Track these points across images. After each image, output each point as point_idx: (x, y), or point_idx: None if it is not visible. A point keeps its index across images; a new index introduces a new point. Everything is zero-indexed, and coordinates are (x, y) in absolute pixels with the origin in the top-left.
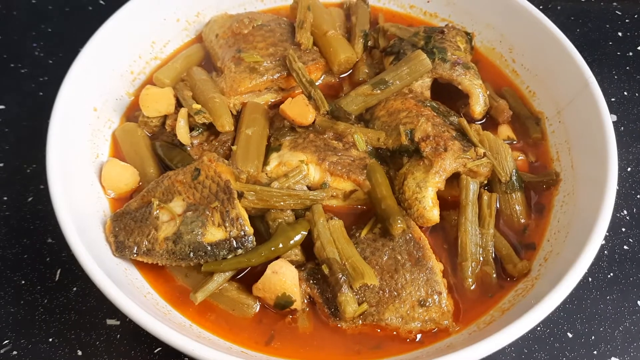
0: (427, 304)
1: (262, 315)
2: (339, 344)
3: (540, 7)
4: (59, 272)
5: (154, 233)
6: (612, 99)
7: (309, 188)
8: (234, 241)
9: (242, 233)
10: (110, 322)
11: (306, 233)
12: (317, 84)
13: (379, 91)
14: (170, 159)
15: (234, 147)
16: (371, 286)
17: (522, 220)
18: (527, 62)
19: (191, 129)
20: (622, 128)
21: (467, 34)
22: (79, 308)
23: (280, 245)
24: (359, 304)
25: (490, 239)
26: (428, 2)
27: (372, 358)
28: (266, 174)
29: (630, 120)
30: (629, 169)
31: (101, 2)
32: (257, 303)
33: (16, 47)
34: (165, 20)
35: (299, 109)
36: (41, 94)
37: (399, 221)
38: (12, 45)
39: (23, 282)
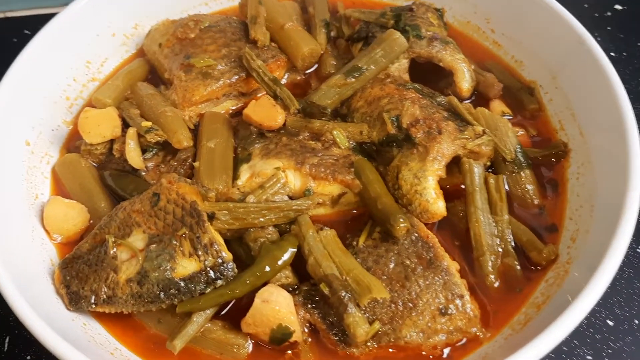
0: (450, 311)
1: (257, 354)
2: None
3: None
4: (7, 340)
5: (114, 276)
6: None
7: (290, 198)
8: (211, 271)
9: (220, 260)
10: None
11: (295, 250)
12: (282, 82)
13: (353, 79)
14: (123, 189)
15: (196, 164)
16: (381, 300)
17: (536, 201)
18: (508, 30)
19: (143, 151)
20: None
21: (437, 10)
22: None
23: (267, 269)
24: (370, 324)
25: (506, 226)
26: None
27: None
28: (238, 189)
29: (624, 81)
30: None
31: (26, 31)
32: (249, 341)
33: None
34: (99, 35)
35: (265, 112)
36: None
37: (401, 220)
38: None
39: None
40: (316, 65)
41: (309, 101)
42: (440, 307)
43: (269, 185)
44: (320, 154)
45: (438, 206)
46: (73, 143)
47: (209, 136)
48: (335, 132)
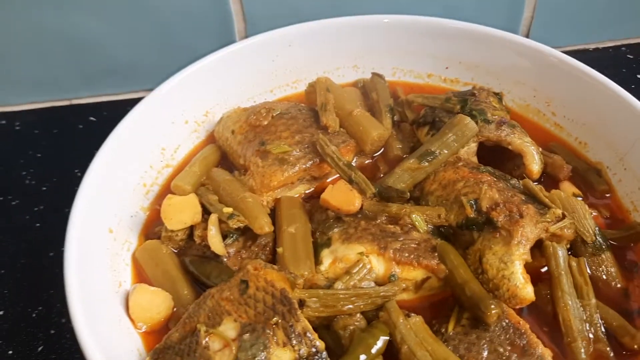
0: None
1: None
2: None
3: None
4: None
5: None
6: None
7: (376, 284)
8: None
9: (314, 350)
10: None
11: (388, 338)
12: None
13: (426, 163)
14: (206, 275)
15: (279, 250)
16: None
17: (620, 284)
18: (569, 113)
19: (224, 237)
20: None
21: (496, 94)
22: None
23: (363, 357)
24: None
25: (594, 310)
26: (447, 68)
27: None
28: (322, 274)
29: None
30: None
31: (92, 118)
32: None
33: (3, 179)
34: (174, 123)
35: (342, 196)
36: (38, 225)
37: (493, 306)
38: None
39: None
40: (382, 149)
41: (386, 185)
42: None
43: (355, 272)
44: (401, 238)
45: (527, 291)
46: (152, 229)
47: (288, 221)
48: (414, 216)
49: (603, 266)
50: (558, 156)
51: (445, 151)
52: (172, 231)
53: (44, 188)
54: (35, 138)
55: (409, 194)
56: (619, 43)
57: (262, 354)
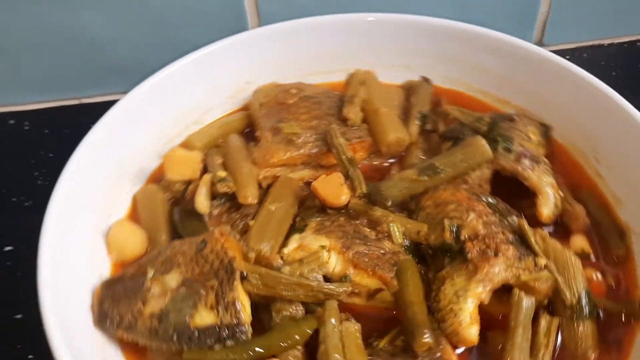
0: None
1: None
2: None
3: (567, 56)
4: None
5: (141, 307)
6: None
7: (326, 279)
8: (225, 329)
9: (236, 321)
10: None
11: (311, 332)
12: (362, 163)
13: (426, 177)
14: (183, 228)
15: (251, 222)
16: None
17: (591, 358)
18: (616, 165)
19: (214, 198)
20: None
21: (544, 125)
22: None
23: (277, 343)
24: None
25: None
26: (500, 87)
27: None
28: (281, 257)
29: None
30: None
31: None
32: None
33: (15, 179)
34: (216, 87)
35: (332, 188)
36: None
37: (426, 336)
38: (10, 178)
39: None
40: (403, 154)
41: (377, 188)
42: None
43: (307, 261)
44: (369, 244)
45: (470, 332)
46: (161, 176)
47: (273, 199)
48: (392, 225)
49: (578, 335)
50: (581, 207)
51: (449, 170)
52: (170, 181)
53: None
54: (45, 138)
55: (390, 202)
56: (634, 38)
57: (189, 310)
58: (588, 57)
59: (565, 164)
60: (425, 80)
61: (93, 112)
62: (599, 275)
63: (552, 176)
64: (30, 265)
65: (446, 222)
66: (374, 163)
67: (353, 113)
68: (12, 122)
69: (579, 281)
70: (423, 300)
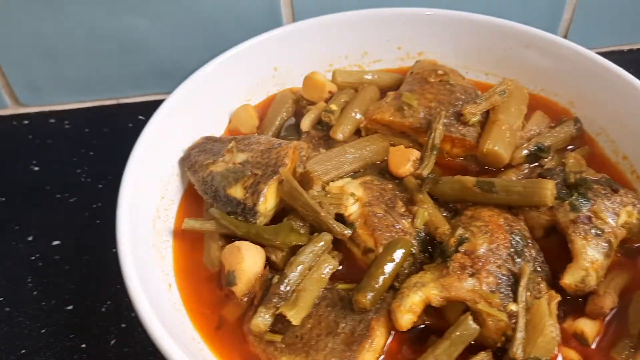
0: None
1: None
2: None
3: None
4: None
5: (210, 162)
6: None
7: (338, 217)
8: (243, 206)
9: (252, 205)
10: None
11: (293, 244)
12: (456, 160)
13: (479, 190)
14: (285, 133)
15: (317, 155)
16: (293, 327)
17: None
18: None
19: (319, 123)
20: None
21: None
22: None
23: (266, 236)
24: (274, 333)
25: None
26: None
27: None
28: (323, 186)
29: None
30: None
31: (141, 117)
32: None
33: (59, 177)
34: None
35: (400, 158)
36: (98, 222)
37: (368, 296)
38: (54, 175)
39: None
40: (499, 170)
41: (435, 178)
42: None
43: (332, 197)
44: (391, 214)
45: (402, 317)
46: None
47: (355, 144)
48: (421, 210)
49: None
50: (611, 300)
51: (503, 194)
52: (301, 96)
53: (100, 186)
54: (85, 137)
55: (428, 196)
56: None
57: (232, 180)
58: None
59: None
60: (576, 120)
61: (131, 112)
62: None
63: (606, 256)
64: (77, 258)
65: (460, 230)
66: (466, 164)
67: (469, 112)
68: (52, 121)
69: (540, 349)
70: (391, 276)
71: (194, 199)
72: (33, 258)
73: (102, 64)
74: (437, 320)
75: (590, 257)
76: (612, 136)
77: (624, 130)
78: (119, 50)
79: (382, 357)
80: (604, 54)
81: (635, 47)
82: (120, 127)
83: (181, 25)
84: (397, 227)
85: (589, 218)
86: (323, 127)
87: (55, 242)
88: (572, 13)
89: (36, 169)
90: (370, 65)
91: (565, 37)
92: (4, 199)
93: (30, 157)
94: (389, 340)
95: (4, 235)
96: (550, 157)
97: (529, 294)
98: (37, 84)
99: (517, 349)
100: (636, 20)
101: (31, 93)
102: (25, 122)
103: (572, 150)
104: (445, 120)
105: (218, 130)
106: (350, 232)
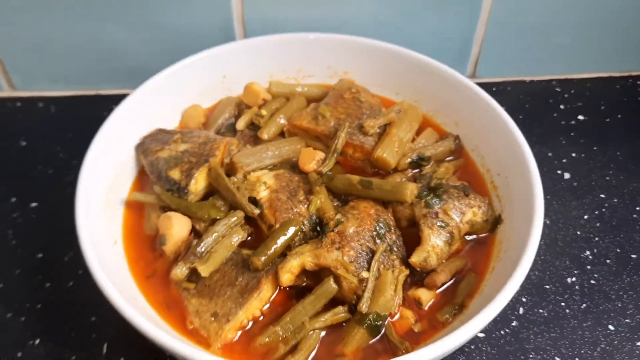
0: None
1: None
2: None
3: (494, 88)
4: (105, 346)
5: (158, 149)
6: (564, 160)
7: (253, 202)
8: (178, 186)
9: (185, 185)
10: None
11: (211, 218)
12: (357, 163)
13: (360, 186)
14: (223, 131)
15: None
16: (203, 278)
17: None
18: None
19: (252, 124)
20: (576, 183)
21: (498, 218)
22: None
23: (192, 209)
24: (190, 282)
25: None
26: (499, 174)
27: None
28: (245, 174)
29: (581, 176)
30: (585, 217)
31: (113, 107)
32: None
33: (41, 152)
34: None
35: (307, 157)
36: (69, 190)
37: (261, 260)
38: (37, 150)
39: (74, 357)
40: (387, 173)
41: (330, 175)
42: (214, 312)
43: (248, 184)
44: (292, 200)
45: (283, 276)
46: None
47: (276, 142)
48: (316, 199)
49: (349, 334)
50: (443, 278)
51: (377, 191)
52: (242, 101)
53: (74, 162)
54: (67, 120)
55: (324, 189)
56: (549, 77)
57: (172, 165)
58: (510, 90)
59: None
60: (456, 138)
61: (107, 102)
62: (412, 320)
63: (447, 245)
64: (49, 217)
65: (339, 215)
66: (364, 167)
67: (368, 125)
68: (40, 105)
69: (380, 306)
70: (282, 246)
71: (145, 178)
72: (14, 215)
73: (84, 60)
74: (314, 282)
75: (433, 243)
76: (482, 152)
77: (490, 149)
78: (98, 51)
79: (268, 305)
80: (508, 83)
81: (535, 78)
82: (97, 114)
83: (150, 34)
84: (295, 211)
85: (437, 214)
86: (254, 128)
87: (33, 204)
88: (479, 48)
89: (24, 144)
90: (305, 79)
91: (475, 66)
92: None
93: (20, 134)
94: (275, 293)
95: None
96: (430, 165)
97: (382, 266)
98: (30, 73)
99: (363, 305)
100: (535, 55)
101: (24, 80)
102: (18, 104)
103: (450, 161)
104: (349, 130)
105: (171, 124)
106: (258, 211)
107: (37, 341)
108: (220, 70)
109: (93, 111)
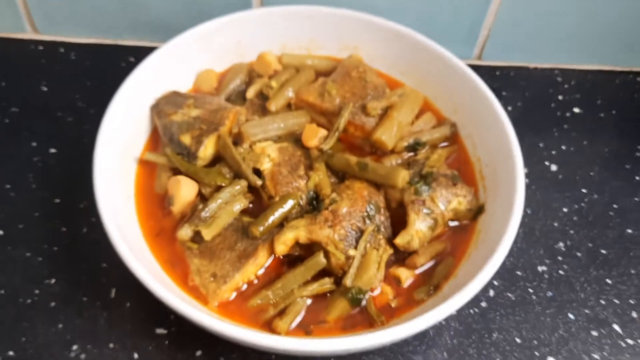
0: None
1: (163, 200)
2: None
3: (497, 72)
4: (113, 290)
5: (172, 112)
6: (553, 152)
7: (256, 172)
8: (188, 151)
9: (195, 151)
10: (158, 331)
11: (214, 184)
12: (357, 141)
13: (357, 168)
14: (234, 98)
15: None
16: (205, 240)
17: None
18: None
19: (262, 94)
20: (561, 176)
21: (481, 208)
22: (132, 320)
23: (200, 174)
24: (193, 242)
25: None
26: (487, 165)
27: None
28: (251, 144)
29: (567, 169)
30: (565, 209)
31: (131, 59)
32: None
33: (61, 98)
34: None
35: (310, 133)
36: (85, 140)
37: (259, 229)
38: (57, 97)
39: (85, 299)
40: (385, 153)
41: (331, 152)
42: (213, 272)
43: (253, 155)
44: (293, 174)
45: (278, 246)
46: None
47: (282, 115)
48: (315, 175)
49: (333, 303)
50: (420, 261)
51: (371, 174)
52: (253, 69)
53: (92, 111)
54: (86, 68)
55: (324, 165)
56: (552, 66)
57: (185, 129)
58: (513, 75)
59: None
60: (452, 125)
61: (125, 53)
62: (390, 296)
63: (431, 229)
64: (67, 164)
65: (334, 194)
66: (363, 145)
67: (371, 106)
68: (62, 50)
69: (363, 281)
70: (279, 217)
71: (157, 137)
72: (35, 159)
73: (107, 10)
74: (306, 253)
75: (417, 228)
76: (474, 140)
77: (482, 137)
78: (120, 4)
79: (262, 270)
80: (512, 68)
81: (539, 66)
82: (114, 64)
83: None
84: (294, 185)
85: (424, 201)
86: (263, 97)
87: (52, 150)
88: (488, 31)
89: (45, 89)
90: (316, 50)
91: (482, 49)
92: (17, 109)
93: (42, 78)
94: (270, 260)
95: (16, 138)
96: (424, 149)
97: (369, 245)
98: (53, 18)
99: (348, 279)
100: (541, 43)
101: (47, 23)
102: (40, 47)
103: (445, 146)
104: (353, 110)
105: (185, 86)
106: (260, 182)
107: (53, 280)
108: (236, 36)
109: (111, 61)
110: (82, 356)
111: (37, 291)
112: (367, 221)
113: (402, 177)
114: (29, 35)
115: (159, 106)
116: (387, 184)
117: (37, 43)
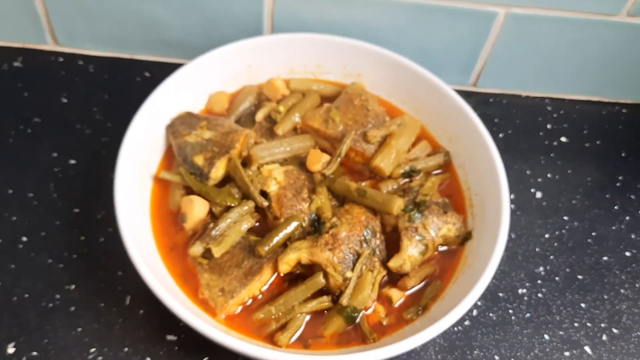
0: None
1: (176, 217)
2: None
3: (490, 99)
4: (128, 298)
5: (186, 133)
6: (539, 180)
7: (263, 194)
8: (201, 171)
9: (207, 172)
10: (169, 337)
11: (227, 204)
12: (358, 166)
13: (356, 193)
14: (243, 121)
15: (277, 129)
16: (215, 257)
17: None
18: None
19: (269, 117)
20: (545, 203)
21: (468, 234)
22: (145, 326)
23: (211, 194)
24: (204, 258)
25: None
26: (476, 194)
27: None
28: (259, 166)
29: (551, 196)
30: (546, 235)
31: (146, 74)
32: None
33: (80, 111)
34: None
35: (314, 158)
36: (104, 152)
37: (265, 249)
38: (76, 109)
39: (102, 305)
40: (383, 178)
41: (333, 176)
42: (222, 287)
43: (261, 177)
44: (297, 197)
45: (281, 266)
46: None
47: (290, 139)
48: (318, 198)
49: (329, 319)
50: (416, 279)
51: (370, 200)
52: (262, 92)
53: (109, 124)
54: (104, 81)
55: (325, 190)
56: (544, 95)
57: (198, 150)
58: (506, 103)
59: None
60: (446, 153)
61: (140, 68)
62: (382, 314)
63: (420, 255)
64: (86, 175)
65: (334, 218)
66: (363, 170)
67: (371, 134)
68: (81, 63)
69: (358, 301)
70: (283, 238)
71: (171, 156)
72: (55, 170)
73: (124, 28)
74: (307, 272)
75: (409, 253)
76: (466, 170)
77: (473, 168)
78: (139, 22)
79: (266, 287)
80: (505, 96)
81: (530, 94)
82: (130, 78)
83: (187, 15)
84: (298, 207)
85: (416, 228)
86: (271, 120)
87: (72, 161)
88: (484, 62)
89: (65, 100)
90: (322, 75)
91: (477, 78)
92: (40, 120)
93: (62, 89)
94: (273, 277)
95: (38, 147)
96: (419, 176)
97: (364, 267)
98: (73, 33)
99: (344, 298)
100: (534, 74)
101: (68, 38)
102: (60, 59)
103: (438, 174)
104: (354, 137)
105: (198, 106)
106: (267, 204)
107: (73, 286)
108: (247, 60)
109: (127, 74)
110: (99, 359)
111: (57, 296)
112: (364, 245)
113: (398, 205)
114: (50, 46)
115: (174, 126)
116: (383, 211)
117: (57, 54)
